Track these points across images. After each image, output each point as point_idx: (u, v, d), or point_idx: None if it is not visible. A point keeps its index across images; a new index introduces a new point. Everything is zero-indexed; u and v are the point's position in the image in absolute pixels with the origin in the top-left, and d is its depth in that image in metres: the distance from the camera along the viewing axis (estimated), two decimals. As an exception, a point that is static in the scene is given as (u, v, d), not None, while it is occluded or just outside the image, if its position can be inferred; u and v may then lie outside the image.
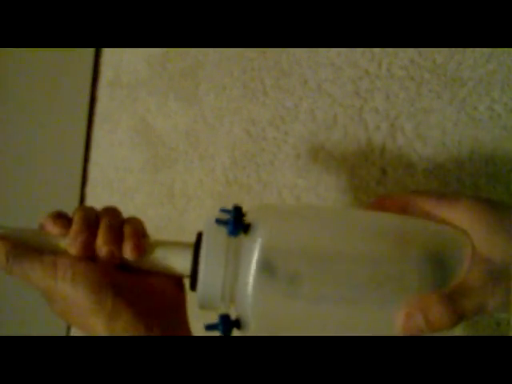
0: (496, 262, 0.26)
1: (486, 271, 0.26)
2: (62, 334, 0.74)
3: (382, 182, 0.51)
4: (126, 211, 0.73)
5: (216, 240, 0.30)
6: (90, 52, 0.68)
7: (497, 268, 0.26)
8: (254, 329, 0.29)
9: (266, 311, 0.29)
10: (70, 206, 0.73)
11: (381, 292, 0.28)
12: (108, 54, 0.68)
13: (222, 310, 0.32)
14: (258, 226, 0.29)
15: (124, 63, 0.67)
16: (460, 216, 0.28)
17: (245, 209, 0.32)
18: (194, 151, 0.62)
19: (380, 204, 0.34)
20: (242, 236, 0.29)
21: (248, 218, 0.31)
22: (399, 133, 0.50)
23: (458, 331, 0.50)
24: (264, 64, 0.56)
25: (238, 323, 0.30)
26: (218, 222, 0.30)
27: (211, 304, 0.32)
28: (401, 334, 0.28)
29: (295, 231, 0.30)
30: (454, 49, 0.47)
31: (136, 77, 0.66)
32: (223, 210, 0.31)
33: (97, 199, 0.72)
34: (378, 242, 0.29)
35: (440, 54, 0.48)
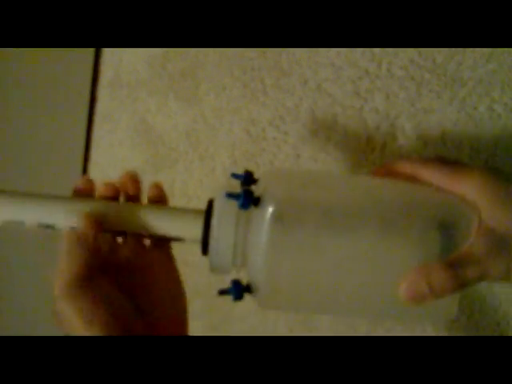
0: (500, 232, 0.27)
1: (490, 241, 0.27)
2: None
3: (381, 181, 0.51)
4: (126, 211, 0.72)
5: (227, 210, 0.31)
6: (90, 52, 0.68)
7: (501, 238, 0.27)
8: (264, 292, 0.30)
9: (277, 273, 0.30)
10: (70, 206, 0.73)
11: (387, 259, 0.29)
12: (108, 53, 0.68)
13: (232, 276, 0.34)
14: (268, 198, 0.30)
15: (124, 63, 0.67)
16: (468, 187, 0.28)
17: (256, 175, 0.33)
18: (194, 151, 0.62)
19: (387, 170, 0.34)
20: (252, 207, 0.30)
21: (259, 187, 0.31)
22: (399, 133, 0.50)
23: (458, 331, 0.50)
24: (264, 64, 0.56)
25: (249, 288, 0.32)
26: (229, 195, 0.30)
27: (223, 267, 0.33)
28: (405, 300, 0.28)
29: (305, 196, 0.31)
30: (453, 49, 0.47)
31: (136, 77, 0.66)
32: (234, 176, 0.33)
33: (97, 199, 0.72)
34: (385, 208, 0.30)
35: (440, 54, 0.48)
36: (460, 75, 0.47)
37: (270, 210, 0.29)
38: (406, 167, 0.32)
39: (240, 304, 0.61)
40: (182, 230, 0.36)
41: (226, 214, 0.31)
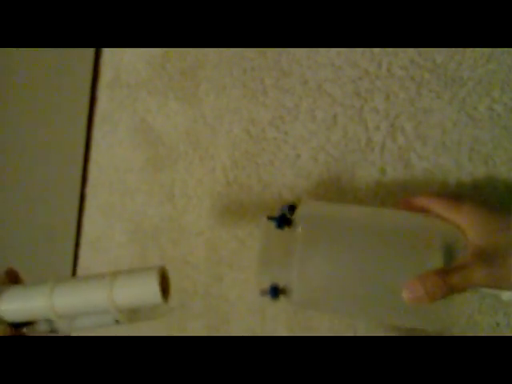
0: (482, 247, 0.35)
1: (474, 254, 0.35)
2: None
3: (381, 181, 0.51)
4: (126, 211, 0.73)
5: (268, 230, 0.40)
6: (90, 52, 0.68)
7: (482, 251, 0.34)
8: (296, 295, 0.38)
9: (307, 278, 0.38)
10: (70, 206, 0.74)
11: (403, 269, 0.37)
12: (108, 53, 0.68)
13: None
14: (298, 219, 0.39)
15: (124, 63, 0.67)
16: (461, 217, 0.37)
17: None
18: (194, 151, 0.62)
19: (408, 204, 0.42)
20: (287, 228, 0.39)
21: (296, 213, 0.40)
22: (399, 133, 0.50)
23: (458, 331, 0.50)
24: (264, 64, 0.56)
25: (284, 291, 0.39)
26: (269, 218, 0.40)
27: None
28: (406, 300, 0.34)
29: (329, 218, 0.40)
30: (453, 49, 0.47)
31: (136, 77, 0.66)
32: (285, 207, 0.41)
33: (97, 199, 0.72)
34: (403, 231, 0.39)
35: (440, 54, 0.48)
36: (460, 75, 0.47)
37: (299, 228, 0.38)
38: (422, 201, 0.41)
39: (240, 304, 0.61)
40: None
41: (267, 236, 0.41)
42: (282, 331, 0.58)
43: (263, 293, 0.40)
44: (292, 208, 0.40)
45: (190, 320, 0.62)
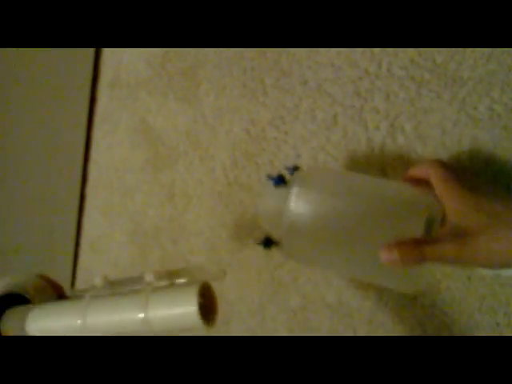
0: (457, 225, 0.36)
1: (449, 231, 0.36)
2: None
3: (381, 182, 0.51)
4: (126, 211, 0.73)
5: (267, 189, 0.44)
6: (90, 52, 0.68)
7: (456, 230, 0.35)
8: (286, 247, 0.42)
9: (296, 233, 0.41)
10: (69, 206, 0.74)
11: (386, 232, 0.39)
12: (108, 53, 0.68)
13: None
14: (293, 179, 0.43)
15: (124, 63, 0.67)
16: (446, 195, 0.38)
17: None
18: (194, 151, 0.62)
19: (410, 176, 0.42)
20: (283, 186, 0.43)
21: (294, 175, 0.44)
22: (399, 133, 0.50)
23: (458, 331, 0.50)
24: (264, 64, 0.56)
25: (277, 243, 0.44)
26: (268, 177, 0.44)
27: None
28: (383, 261, 0.36)
29: (323, 180, 0.44)
30: (453, 49, 0.47)
31: (136, 77, 0.66)
32: (287, 169, 0.45)
33: (97, 199, 0.72)
34: (392, 202, 0.41)
35: (440, 54, 0.48)
36: (460, 75, 0.47)
37: (294, 188, 0.42)
38: (421, 171, 0.41)
39: (240, 304, 0.61)
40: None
41: (267, 191, 0.44)
42: (282, 331, 0.58)
43: (257, 242, 0.46)
44: (296, 169, 0.44)
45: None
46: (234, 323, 0.60)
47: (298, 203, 0.42)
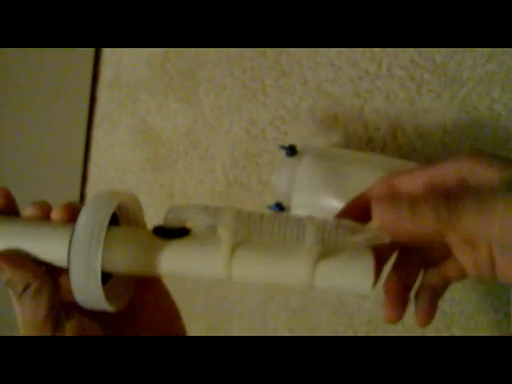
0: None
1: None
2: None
3: (382, 181, 0.51)
4: (126, 211, 0.72)
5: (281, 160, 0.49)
6: (90, 52, 0.68)
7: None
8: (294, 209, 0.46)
9: (303, 199, 0.46)
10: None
11: None
12: (108, 53, 0.68)
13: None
14: (302, 150, 0.48)
15: (124, 63, 0.67)
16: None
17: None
18: (194, 151, 0.62)
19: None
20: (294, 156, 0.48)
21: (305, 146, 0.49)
22: (399, 133, 0.50)
23: (458, 331, 0.50)
24: (264, 64, 0.56)
25: (287, 209, 0.48)
26: (280, 146, 0.48)
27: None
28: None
29: (325, 152, 0.48)
30: (453, 49, 0.47)
31: (136, 77, 0.66)
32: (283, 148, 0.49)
33: (97, 199, 0.72)
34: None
35: (440, 54, 0.48)
36: (460, 75, 0.47)
37: (304, 159, 0.46)
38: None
39: (240, 304, 0.61)
40: None
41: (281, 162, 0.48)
42: (282, 331, 0.58)
43: (269, 207, 0.49)
44: (292, 148, 0.47)
45: (190, 320, 0.62)
46: (234, 323, 0.60)
47: (307, 172, 0.45)
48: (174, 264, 0.28)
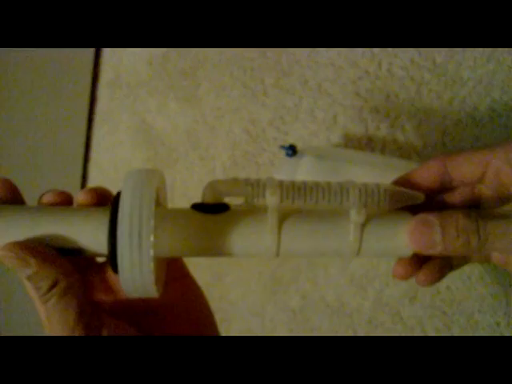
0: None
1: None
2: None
3: (382, 182, 0.51)
4: (126, 211, 0.72)
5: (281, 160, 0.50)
6: (90, 52, 0.68)
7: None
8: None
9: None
10: (70, 206, 0.73)
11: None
12: (108, 53, 0.68)
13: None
14: (303, 150, 0.48)
15: (124, 63, 0.67)
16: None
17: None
18: (194, 151, 0.62)
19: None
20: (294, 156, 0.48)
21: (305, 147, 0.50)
22: (399, 133, 0.50)
23: (458, 331, 0.50)
24: (264, 64, 0.56)
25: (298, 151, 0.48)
26: (281, 147, 0.48)
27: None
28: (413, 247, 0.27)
29: (325, 151, 0.48)
30: (453, 49, 0.47)
31: (136, 77, 0.66)
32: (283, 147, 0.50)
33: (97, 199, 0.72)
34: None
35: (440, 54, 0.48)
36: (460, 75, 0.47)
37: (305, 158, 0.47)
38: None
39: (240, 304, 0.61)
40: None
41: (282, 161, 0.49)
42: (282, 331, 0.58)
43: (282, 147, 0.50)
44: (292, 147, 0.48)
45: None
46: (234, 323, 0.60)
47: (308, 171, 0.45)
48: (224, 239, 0.27)
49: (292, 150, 0.47)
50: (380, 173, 0.44)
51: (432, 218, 0.26)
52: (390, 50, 0.49)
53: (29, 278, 0.25)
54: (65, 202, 0.29)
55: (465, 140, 0.48)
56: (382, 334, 0.53)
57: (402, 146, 0.50)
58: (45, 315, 0.26)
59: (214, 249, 0.27)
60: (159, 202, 0.30)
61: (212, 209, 0.27)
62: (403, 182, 0.29)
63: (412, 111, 0.50)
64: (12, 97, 0.68)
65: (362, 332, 0.54)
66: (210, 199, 0.27)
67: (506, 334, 0.48)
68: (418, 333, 0.52)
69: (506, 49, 0.45)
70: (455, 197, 0.29)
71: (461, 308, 0.50)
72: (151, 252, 0.24)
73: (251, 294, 0.59)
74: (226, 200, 0.27)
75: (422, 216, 0.27)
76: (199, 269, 0.61)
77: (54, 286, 0.25)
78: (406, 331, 0.52)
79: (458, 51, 0.47)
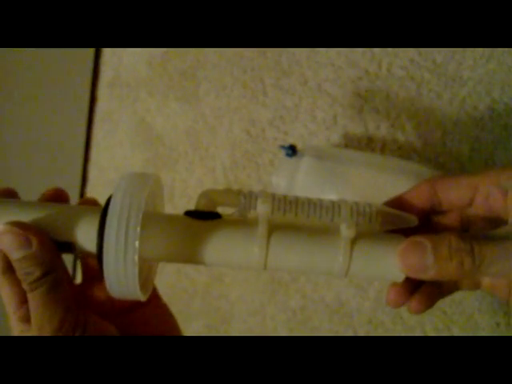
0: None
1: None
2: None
3: (382, 182, 0.51)
4: (126, 211, 0.72)
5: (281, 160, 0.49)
6: (90, 52, 0.68)
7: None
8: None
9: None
10: (70, 206, 0.73)
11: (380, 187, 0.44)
12: (108, 53, 0.68)
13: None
14: (302, 150, 0.48)
15: (124, 63, 0.67)
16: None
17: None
18: (194, 151, 0.62)
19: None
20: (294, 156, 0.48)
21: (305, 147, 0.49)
22: (399, 133, 0.50)
23: (458, 331, 0.50)
24: (264, 64, 0.56)
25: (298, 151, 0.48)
26: (280, 146, 0.48)
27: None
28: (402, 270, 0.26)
29: (325, 151, 0.48)
30: (453, 49, 0.47)
31: (136, 77, 0.66)
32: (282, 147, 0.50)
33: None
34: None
35: (440, 54, 0.48)
36: (460, 75, 0.47)
37: (304, 158, 0.47)
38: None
39: (240, 304, 0.61)
40: None
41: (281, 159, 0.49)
42: (282, 331, 0.58)
43: (281, 147, 0.50)
44: (292, 147, 0.48)
45: (190, 320, 0.62)
46: (234, 323, 0.60)
47: (307, 171, 0.46)
48: (211, 246, 0.27)
49: (292, 150, 0.47)
50: (379, 173, 0.44)
51: (423, 239, 0.25)
52: (390, 49, 0.49)
53: (23, 259, 0.25)
54: (60, 199, 0.30)
55: (465, 140, 0.48)
56: (381, 333, 0.53)
57: (401, 146, 0.50)
58: (31, 305, 0.25)
59: (201, 255, 0.27)
60: (154, 206, 0.30)
61: (203, 215, 0.27)
62: (394, 203, 0.29)
63: (412, 111, 0.50)
64: (12, 97, 0.68)
65: (362, 332, 0.54)
66: (203, 207, 0.28)
67: (506, 334, 0.48)
68: (418, 333, 0.52)
69: (506, 49, 0.45)
70: (445, 220, 0.29)
71: (461, 308, 0.50)
72: (136, 257, 0.24)
73: (251, 294, 0.59)
74: (220, 210, 0.27)
75: (412, 238, 0.25)
76: (199, 269, 0.62)
77: (46, 274, 0.25)
78: (405, 331, 0.52)
79: (458, 51, 0.47)
